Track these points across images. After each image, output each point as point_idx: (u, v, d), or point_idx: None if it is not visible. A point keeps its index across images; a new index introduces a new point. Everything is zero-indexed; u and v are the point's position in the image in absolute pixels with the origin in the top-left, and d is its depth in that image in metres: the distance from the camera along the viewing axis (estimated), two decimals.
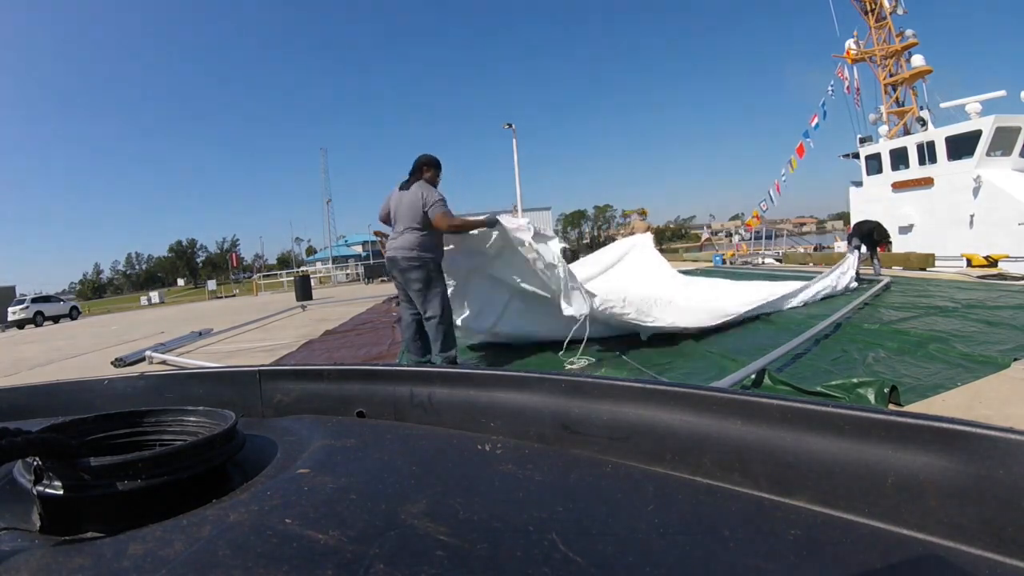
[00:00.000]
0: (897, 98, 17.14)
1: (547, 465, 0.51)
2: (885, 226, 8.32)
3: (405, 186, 3.61)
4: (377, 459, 0.53)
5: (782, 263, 14.68)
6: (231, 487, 0.45)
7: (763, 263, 14.70)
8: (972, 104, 14.05)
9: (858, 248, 7.85)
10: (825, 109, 17.53)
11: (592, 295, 3.74)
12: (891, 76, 16.94)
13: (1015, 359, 2.99)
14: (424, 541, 0.36)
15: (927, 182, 14.41)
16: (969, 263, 10.54)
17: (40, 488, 0.40)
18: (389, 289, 14.79)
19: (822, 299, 5.69)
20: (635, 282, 5.30)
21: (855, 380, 2.63)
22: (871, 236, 8.12)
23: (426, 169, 3.68)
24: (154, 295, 40.38)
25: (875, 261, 8.27)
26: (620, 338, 4.11)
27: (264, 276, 35.14)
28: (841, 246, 17.91)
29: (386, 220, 3.81)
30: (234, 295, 30.04)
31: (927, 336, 3.70)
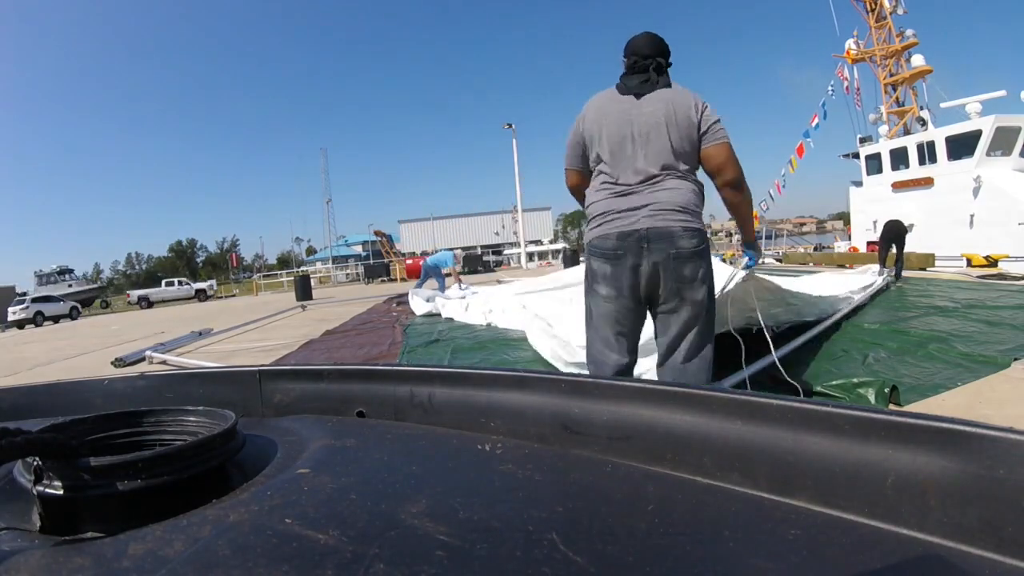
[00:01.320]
0: (897, 98, 17.13)
1: (547, 465, 0.51)
2: (900, 228, 8.16)
3: (639, 90, 1.85)
4: (377, 459, 0.53)
5: (782, 263, 14.68)
6: (231, 487, 0.45)
7: (763, 263, 14.71)
8: (972, 104, 14.04)
9: (891, 248, 7.67)
10: (825, 109, 17.54)
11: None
12: (891, 76, 16.93)
13: (1015, 359, 2.99)
14: (424, 541, 0.36)
15: (927, 182, 14.41)
16: (969, 263, 10.55)
17: (40, 488, 0.40)
18: (389, 289, 14.72)
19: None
20: None
21: (855, 380, 2.63)
22: (903, 237, 7.87)
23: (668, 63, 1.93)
24: None
25: (898, 263, 8.04)
26: None
27: (264, 276, 35.17)
28: (841, 246, 17.91)
29: (579, 165, 2.00)
30: (234, 295, 30.06)
31: (927, 336, 3.70)
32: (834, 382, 2.68)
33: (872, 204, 15.65)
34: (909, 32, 16.62)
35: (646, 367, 3.05)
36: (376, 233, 33.86)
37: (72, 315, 25.08)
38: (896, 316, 4.62)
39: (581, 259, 13.05)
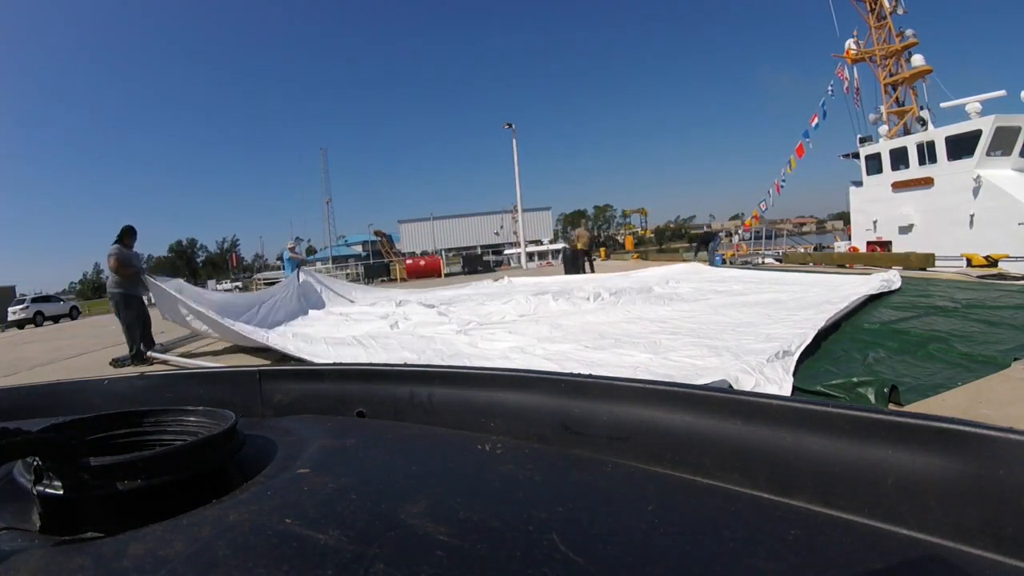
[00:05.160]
0: (897, 98, 17.12)
1: (547, 465, 0.51)
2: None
3: None
4: (377, 459, 0.53)
5: (782, 263, 14.69)
6: (231, 487, 0.45)
7: (763, 263, 14.70)
8: (972, 104, 14.03)
9: None
10: (825, 109, 17.54)
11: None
12: (891, 76, 16.92)
13: (1015, 359, 2.99)
14: (424, 541, 0.36)
15: (927, 182, 14.39)
16: (969, 263, 10.53)
17: (40, 488, 0.40)
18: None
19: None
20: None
21: (855, 380, 2.63)
22: None
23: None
24: None
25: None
26: None
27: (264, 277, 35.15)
28: (841, 246, 17.90)
29: None
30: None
31: (927, 336, 3.69)
32: (834, 382, 2.67)
33: (872, 204, 15.63)
34: (909, 32, 16.60)
35: (642, 359, 3.12)
36: (376, 233, 33.88)
37: (72, 315, 25.08)
38: (896, 316, 4.62)
39: (583, 259, 13.00)
